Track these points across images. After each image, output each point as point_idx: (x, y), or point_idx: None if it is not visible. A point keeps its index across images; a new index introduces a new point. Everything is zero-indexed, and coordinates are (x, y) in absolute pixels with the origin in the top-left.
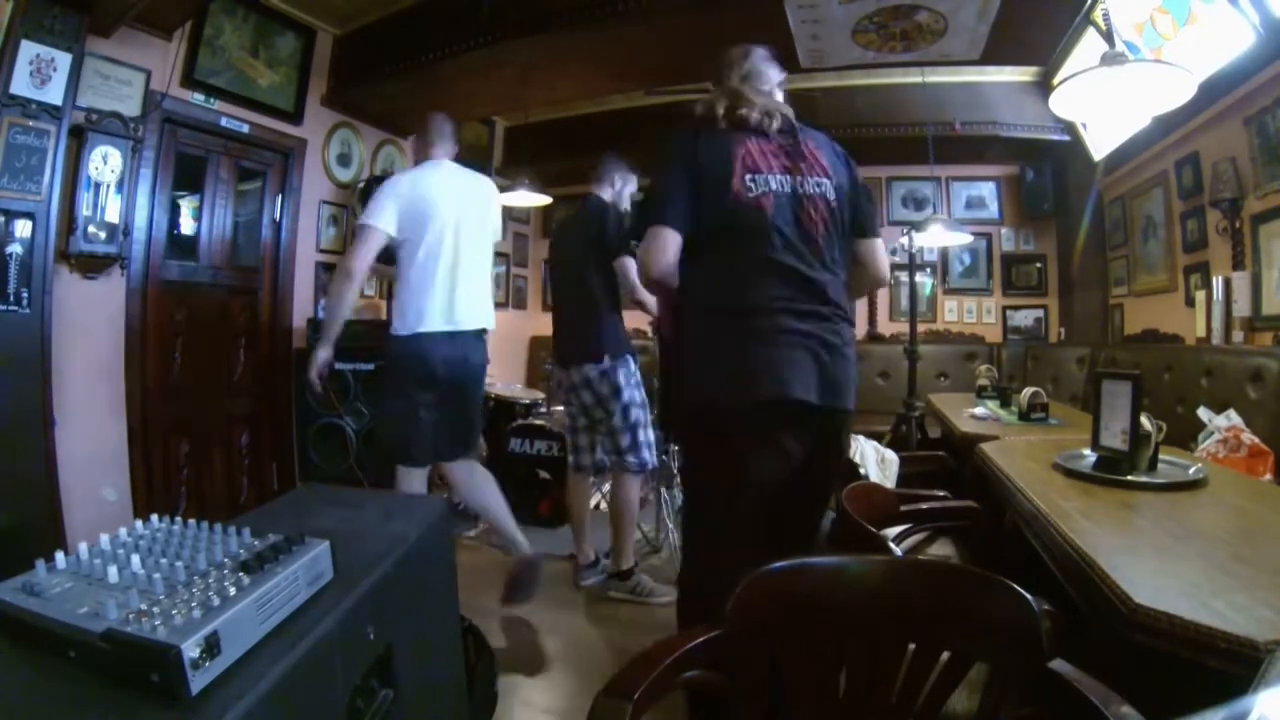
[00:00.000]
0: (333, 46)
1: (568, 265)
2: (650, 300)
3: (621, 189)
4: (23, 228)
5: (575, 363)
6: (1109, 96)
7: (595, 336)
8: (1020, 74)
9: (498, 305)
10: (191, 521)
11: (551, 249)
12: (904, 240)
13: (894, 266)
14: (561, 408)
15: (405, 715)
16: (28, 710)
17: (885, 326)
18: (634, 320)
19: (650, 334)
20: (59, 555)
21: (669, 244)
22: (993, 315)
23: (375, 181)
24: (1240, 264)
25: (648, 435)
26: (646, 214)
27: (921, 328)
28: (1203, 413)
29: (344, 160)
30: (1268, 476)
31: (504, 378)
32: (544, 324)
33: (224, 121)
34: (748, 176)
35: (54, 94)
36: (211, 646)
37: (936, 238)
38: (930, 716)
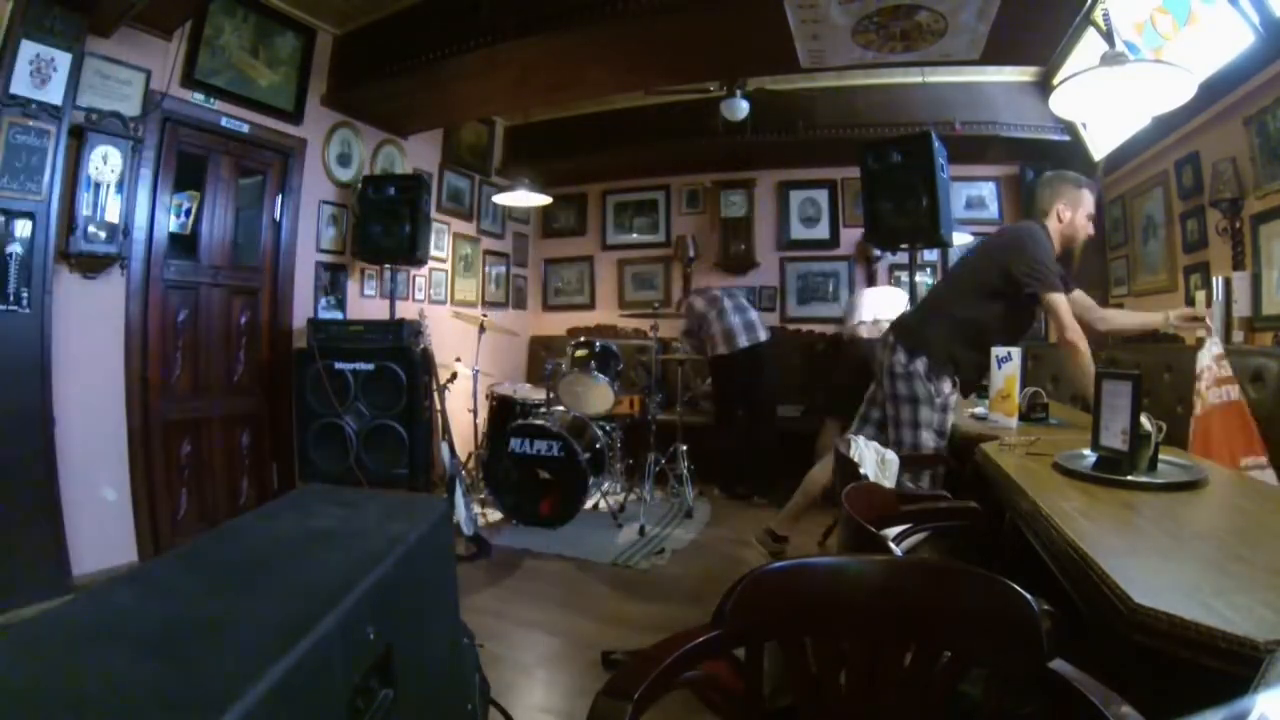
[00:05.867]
0: (333, 46)
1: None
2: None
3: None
4: (23, 228)
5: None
6: (1109, 96)
7: (936, 339)
8: (1020, 74)
9: (497, 305)
10: None
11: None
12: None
13: (894, 266)
14: (561, 407)
15: (405, 715)
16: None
17: None
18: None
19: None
20: None
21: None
22: None
23: (374, 181)
24: (1240, 264)
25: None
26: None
27: None
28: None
29: (344, 160)
30: (1251, 460)
31: (503, 377)
32: (544, 324)
33: (224, 121)
34: None
35: (54, 94)
36: None
37: None
38: (930, 716)
